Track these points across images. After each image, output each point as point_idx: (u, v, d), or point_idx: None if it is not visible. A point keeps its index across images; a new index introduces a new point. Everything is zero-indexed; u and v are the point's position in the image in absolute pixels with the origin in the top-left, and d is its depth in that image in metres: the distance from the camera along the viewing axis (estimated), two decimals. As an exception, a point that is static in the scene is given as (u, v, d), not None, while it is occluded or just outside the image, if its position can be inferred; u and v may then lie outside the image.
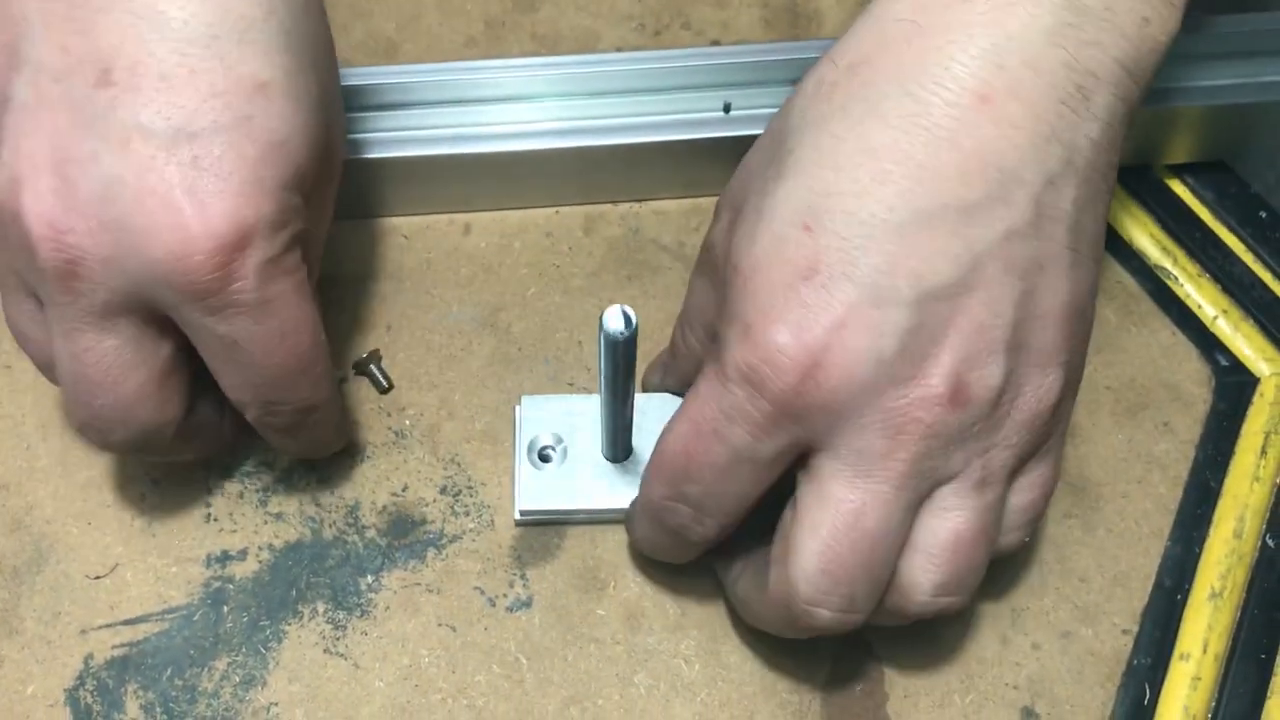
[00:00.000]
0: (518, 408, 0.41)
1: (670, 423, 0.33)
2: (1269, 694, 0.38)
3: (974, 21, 0.31)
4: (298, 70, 0.33)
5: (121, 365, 0.33)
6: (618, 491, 0.40)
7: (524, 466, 0.40)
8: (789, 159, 0.32)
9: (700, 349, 0.37)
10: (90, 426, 0.34)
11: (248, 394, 0.34)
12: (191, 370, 0.35)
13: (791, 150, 0.32)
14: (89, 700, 0.38)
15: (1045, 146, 0.31)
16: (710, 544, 0.35)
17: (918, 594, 0.33)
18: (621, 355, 0.32)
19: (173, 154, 0.31)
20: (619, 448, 0.39)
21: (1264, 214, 0.46)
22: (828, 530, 0.31)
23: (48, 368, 0.35)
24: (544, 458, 0.40)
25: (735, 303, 0.31)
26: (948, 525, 0.32)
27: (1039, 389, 0.32)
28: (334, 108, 0.37)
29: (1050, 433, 0.33)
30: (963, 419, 0.31)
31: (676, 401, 0.41)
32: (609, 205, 0.46)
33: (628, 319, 0.31)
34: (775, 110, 0.45)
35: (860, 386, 0.30)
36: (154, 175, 0.31)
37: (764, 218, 0.32)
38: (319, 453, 0.40)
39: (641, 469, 0.40)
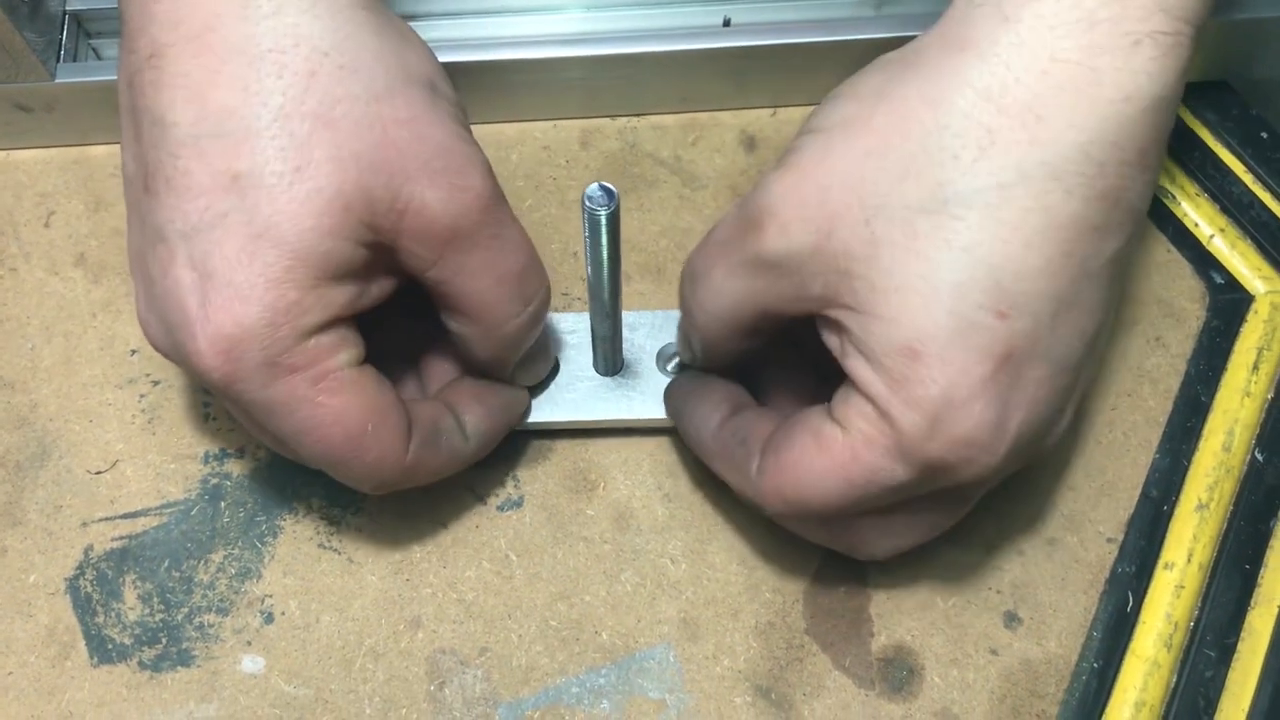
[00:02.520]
0: None
1: (807, 457, 0.32)
2: (1252, 604, 0.39)
3: (1142, 69, 0.29)
4: (289, 142, 0.30)
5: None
6: (609, 405, 0.40)
7: None
8: (958, 225, 0.29)
9: (740, 339, 0.35)
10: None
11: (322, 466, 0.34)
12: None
13: (959, 216, 0.29)
14: (89, 589, 0.39)
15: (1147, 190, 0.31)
16: None
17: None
18: (605, 233, 0.33)
19: (177, 257, 0.31)
20: (610, 356, 0.40)
21: (1265, 134, 0.46)
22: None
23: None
24: None
25: (914, 383, 0.30)
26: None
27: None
28: (376, 153, 0.31)
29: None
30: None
31: (667, 317, 0.41)
32: (606, 119, 0.46)
33: (609, 193, 0.31)
34: (775, 24, 0.45)
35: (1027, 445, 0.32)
36: (169, 278, 0.31)
37: (940, 293, 0.29)
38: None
39: (635, 383, 0.40)
